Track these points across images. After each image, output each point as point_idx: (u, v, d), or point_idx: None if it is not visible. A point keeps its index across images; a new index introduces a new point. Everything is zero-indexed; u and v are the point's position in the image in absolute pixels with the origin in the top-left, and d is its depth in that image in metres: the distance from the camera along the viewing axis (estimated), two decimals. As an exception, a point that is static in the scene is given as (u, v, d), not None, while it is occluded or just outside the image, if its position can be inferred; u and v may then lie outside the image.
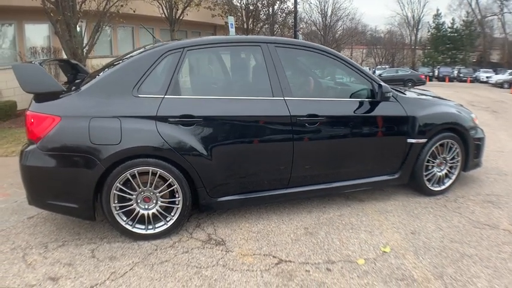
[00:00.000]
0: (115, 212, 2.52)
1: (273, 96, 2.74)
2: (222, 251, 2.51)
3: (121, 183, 2.47)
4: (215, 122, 2.58)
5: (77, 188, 2.42)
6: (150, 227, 2.62)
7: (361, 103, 3.00)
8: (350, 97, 3.01)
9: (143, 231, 2.60)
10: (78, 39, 7.91)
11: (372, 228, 2.84)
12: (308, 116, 2.77)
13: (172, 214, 2.64)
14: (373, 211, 3.13)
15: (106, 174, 2.42)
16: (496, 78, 27.21)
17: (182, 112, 2.52)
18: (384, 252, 2.54)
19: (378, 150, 3.09)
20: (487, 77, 29.12)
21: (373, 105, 3.01)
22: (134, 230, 2.59)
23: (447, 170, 3.40)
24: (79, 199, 2.46)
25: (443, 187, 3.41)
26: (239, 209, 3.06)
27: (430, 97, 3.63)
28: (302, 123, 2.75)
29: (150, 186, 2.55)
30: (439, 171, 3.37)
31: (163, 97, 2.52)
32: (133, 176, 2.49)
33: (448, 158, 3.36)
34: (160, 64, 2.56)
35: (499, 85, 24.89)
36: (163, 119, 2.48)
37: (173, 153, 2.47)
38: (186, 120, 2.52)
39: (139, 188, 2.54)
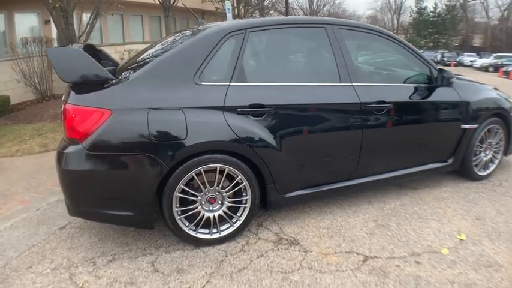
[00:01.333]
0: (177, 217, 2.21)
1: (341, 82, 2.53)
2: (299, 251, 2.29)
3: (184, 184, 2.16)
4: (285, 112, 2.32)
5: (135, 193, 2.08)
6: (214, 230, 2.33)
7: (421, 88, 2.87)
8: (409, 82, 2.86)
9: (208, 236, 2.32)
10: (72, 28, 7.45)
11: (438, 216, 2.75)
12: (377, 102, 2.59)
13: (238, 215, 2.38)
14: (431, 199, 3.03)
15: (169, 174, 2.11)
16: (480, 62, 27.39)
17: (251, 101, 2.24)
18: (461, 240, 2.45)
19: (435, 136, 2.98)
20: (471, 61, 29.28)
21: (432, 90, 2.89)
22: (198, 235, 2.30)
23: (492, 155, 3.39)
24: (136, 205, 2.12)
25: (487, 172, 3.39)
26: (297, 205, 2.84)
27: (474, 81, 3.59)
28: (371, 111, 2.57)
29: (217, 186, 2.26)
30: (484, 156, 3.35)
31: (229, 85, 2.23)
32: (198, 175, 2.20)
33: (493, 143, 3.35)
34: (222, 48, 2.25)
35: (484, 69, 25.16)
36: (232, 110, 2.19)
37: (243, 147, 2.20)
38: (256, 110, 2.24)
39: (206, 188, 2.25)
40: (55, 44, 8.61)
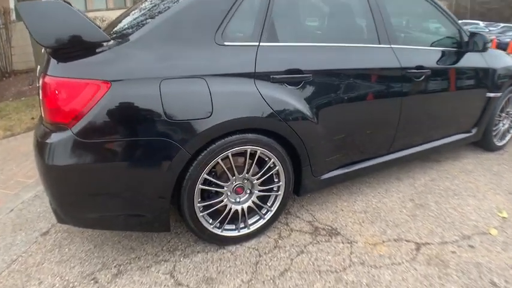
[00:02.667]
0: (200, 214, 1.78)
1: (380, 44, 2.14)
2: (343, 243, 1.97)
3: (207, 173, 1.72)
4: (324, 78, 1.90)
5: (148, 189, 1.60)
6: (242, 225, 1.93)
7: (454, 53, 2.58)
8: (440, 46, 2.54)
9: (235, 233, 1.91)
10: None
11: (472, 191, 2.54)
12: (416, 68, 2.25)
13: (269, 204, 1.98)
14: (457, 172, 2.83)
15: (189, 162, 1.65)
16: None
17: (287, 66, 1.79)
18: (504, 218, 2.26)
19: (464, 105, 2.73)
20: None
21: (463, 55, 2.60)
22: (224, 233, 1.88)
23: (508, 124, 3.25)
24: (150, 205, 1.65)
25: (504, 142, 3.27)
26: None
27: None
28: (410, 77, 2.23)
29: (247, 172, 1.84)
30: (502, 126, 3.20)
31: (259, 45, 1.75)
32: (223, 161, 1.76)
33: (510, 112, 3.19)
34: None
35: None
36: (265, 77, 1.73)
37: (280, 123, 1.77)
38: (293, 78, 1.80)
39: (234, 175, 1.81)
40: (13, 17, 7.32)
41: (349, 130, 2.09)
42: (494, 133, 3.10)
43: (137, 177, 1.57)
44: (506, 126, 3.24)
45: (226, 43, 1.67)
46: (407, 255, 1.88)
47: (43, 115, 1.54)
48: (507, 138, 3.28)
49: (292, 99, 1.80)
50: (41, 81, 1.50)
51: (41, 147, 1.52)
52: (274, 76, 1.75)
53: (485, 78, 2.78)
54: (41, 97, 1.53)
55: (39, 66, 1.75)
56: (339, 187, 2.54)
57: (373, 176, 2.70)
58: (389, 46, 2.16)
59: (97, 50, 1.50)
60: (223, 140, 1.67)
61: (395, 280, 1.72)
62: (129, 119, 1.51)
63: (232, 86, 1.65)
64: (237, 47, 1.70)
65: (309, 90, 1.85)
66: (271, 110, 1.72)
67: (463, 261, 1.86)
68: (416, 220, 2.19)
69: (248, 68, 1.69)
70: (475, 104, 2.81)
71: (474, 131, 2.91)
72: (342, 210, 2.27)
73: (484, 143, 3.15)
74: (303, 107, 1.83)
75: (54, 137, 1.49)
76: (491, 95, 2.83)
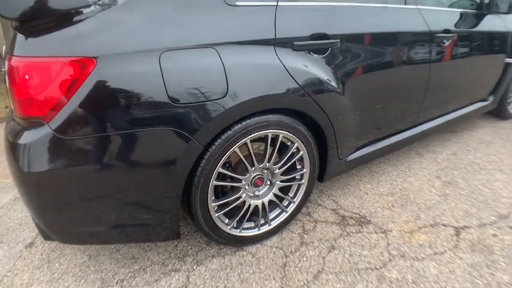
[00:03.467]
0: (215, 215, 1.49)
1: (406, 4, 1.84)
2: (377, 233, 1.74)
3: (222, 165, 1.41)
4: (352, 44, 1.58)
5: (152, 192, 1.27)
6: (262, 221, 1.66)
7: (475, 16, 2.31)
8: (459, 7, 2.26)
9: (255, 232, 1.64)
10: None
11: (498, 165, 2.37)
12: (443, 31, 1.98)
13: (291, 195, 1.71)
14: (477, 144, 2.65)
15: (202, 154, 1.34)
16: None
17: (313, 30, 1.46)
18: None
19: (484, 71, 2.51)
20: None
21: (483, 18, 2.34)
22: (243, 233, 1.60)
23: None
24: (156, 211, 1.33)
25: (516, 109, 3.11)
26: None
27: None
28: (438, 42, 1.97)
29: (268, 161, 1.54)
30: (515, 92, 3.03)
31: (277, 4, 1.41)
32: (241, 149, 1.45)
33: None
34: None
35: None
36: (286, 44, 1.39)
37: (306, 100, 1.46)
38: (319, 44, 1.48)
39: (253, 166, 1.51)
40: None
41: (377, 102, 1.82)
42: (509, 100, 2.92)
43: (137, 179, 1.24)
44: (520, 92, 3.07)
45: (238, 3, 1.32)
46: (448, 243, 1.68)
47: (13, 108, 1.17)
48: (519, 105, 3.13)
49: (319, 70, 1.49)
50: (6, 65, 1.13)
51: (12, 149, 1.16)
52: (298, 43, 1.42)
53: (504, 43, 2.56)
54: (8, 85, 1.15)
55: (4, 46, 1.35)
56: (359, 167, 2.30)
57: (391, 153, 2.47)
58: (415, 7, 1.87)
59: (76, 19, 1.11)
60: (240, 125, 1.35)
61: (442, 273, 1.51)
62: (122, 105, 1.16)
63: (249, 57, 1.32)
64: (251, 7, 1.35)
65: (336, 58, 1.54)
66: (297, 85, 1.41)
67: (507, 245, 1.68)
68: (448, 200, 1.99)
69: (267, 34, 1.35)
70: (494, 71, 2.60)
71: (491, 99, 2.72)
72: (367, 194, 2.04)
73: (498, 111, 2.98)
74: (330, 79, 1.53)
75: (28, 136, 1.13)
76: (510, 60, 2.62)
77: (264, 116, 1.40)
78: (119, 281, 1.50)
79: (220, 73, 1.25)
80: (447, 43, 2.02)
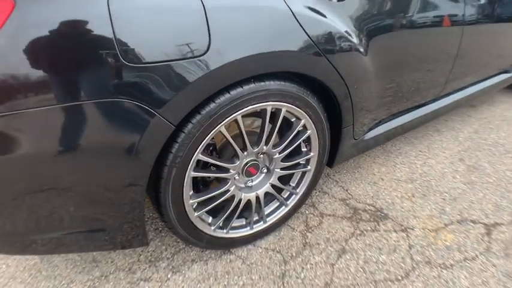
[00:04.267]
0: (194, 215, 1.12)
1: None
2: (396, 231, 1.41)
3: (202, 150, 1.02)
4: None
5: (107, 185, 0.89)
6: (255, 218, 1.31)
7: None
8: None
9: (247, 231, 1.29)
10: None
11: (527, 145, 2.04)
12: None
13: (293, 185, 1.35)
14: (499, 121, 2.32)
15: (173, 136, 0.95)
16: None
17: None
18: None
19: (508, 39, 2.11)
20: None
21: None
22: (231, 234, 1.26)
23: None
24: (114, 209, 0.95)
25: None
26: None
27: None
28: (473, 1, 1.55)
29: (266, 144, 1.16)
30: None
31: None
32: (230, 128, 1.06)
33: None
34: None
35: None
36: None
37: (321, 61, 1.06)
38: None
39: (245, 150, 1.13)
40: None
41: (404, 66, 1.42)
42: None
43: (85, 169, 0.85)
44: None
45: None
46: (479, 245, 1.37)
47: None
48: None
49: (339, 21, 1.07)
50: None
51: None
52: (313, -22, 0.99)
53: None
54: None
55: None
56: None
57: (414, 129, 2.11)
58: None
59: None
60: (229, 95, 0.95)
61: (474, 286, 1.21)
62: (57, 68, 0.74)
63: (241, -4, 0.89)
64: None
65: (357, 6, 1.12)
66: (309, 39, 1.00)
67: (549, 246, 1.38)
68: (475, 189, 1.66)
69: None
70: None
71: (514, 70, 2.35)
72: (382, 180, 1.69)
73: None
74: (352, 34, 1.12)
75: None
76: None
77: (263, 83, 1.00)
78: (91, 285, 1.15)
79: (199, 18, 0.83)
80: (478, 3, 1.61)
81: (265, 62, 0.95)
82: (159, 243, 1.35)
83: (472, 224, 1.47)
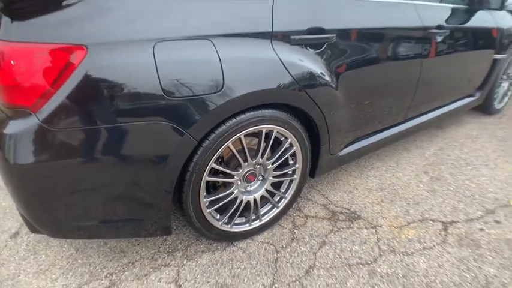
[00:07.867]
0: (207, 211, 1.46)
1: None
2: (367, 228, 1.75)
3: (215, 161, 1.38)
4: (347, 39, 1.56)
5: (144, 187, 1.23)
6: (253, 217, 1.65)
7: (464, 11, 2.30)
8: (449, 2, 2.26)
9: (246, 227, 1.62)
10: None
11: (484, 160, 2.42)
12: (437, 27, 1.98)
13: (283, 191, 1.70)
14: (463, 139, 2.70)
15: (195, 149, 1.30)
16: None
17: (310, 23, 1.42)
18: (518, 188, 2.16)
19: (475, 67, 2.53)
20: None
21: (474, 13, 2.34)
22: (234, 229, 1.59)
23: (507, 87, 3.14)
24: (148, 206, 1.29)
25: (502, 104, 3.20)
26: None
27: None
28: (430, 38, 1.96)
29: (261, 156, 1.51)
30: (502, 88, 3.09)
31: (274, -3, 1.37)
32: (234, 144, 1.42)
33: (510, 74, 3.07)
34: None
35: None
36: (283, 38, 1.35)
37: (302, 95, 1.43)
38: (316, 39, 1.45)
39: (246, 161, 1.49)
40: None
41: (371, 97, 1.81)
42: (494, 96, 2.98)
43: (128, 174, 1.19)
44: (505, 88, 3.14)
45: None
46: (437, 237, 1.71)
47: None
48: (505, 100, 3.22)
49: (315, 65, 1.46)
50: None
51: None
52: (295, 37, 1.38)
53: (493, 38, 2.59)
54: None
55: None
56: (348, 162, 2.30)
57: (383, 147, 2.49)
58: (411, 2, 1.86)
59: (65, 3, 1.05)
60: (235, 120, 1.32)
61: (431, 268, 1.54)
62: (113, 97, 1.10)
63: (246, 50, 1.28)
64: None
65: (331, 53, 1.52)
66: (293, 80, 1.38)
67: (493, 239, 1.72)
68: (436, 196, 2.02)
69: (264, 26, 1.31)
70: (483, 66, 2.63)
71: (478, 94, 2.77)
72: (357, 189, 2.05)
73: (484, 107, 3.04)
74: (325, 74, 1.50)
75: (14, 126, 1.06)
76: (498, 56, 2.66)
77: (259, 111, 1.38)
78: (108, 275, 1.46)
79: (216, 66, 1.21)
80: (439, 39, 2.03)
81: (261, 96, 1.32)
82: (175, 239, 1.67)
83: (431, 222, 1.82)
